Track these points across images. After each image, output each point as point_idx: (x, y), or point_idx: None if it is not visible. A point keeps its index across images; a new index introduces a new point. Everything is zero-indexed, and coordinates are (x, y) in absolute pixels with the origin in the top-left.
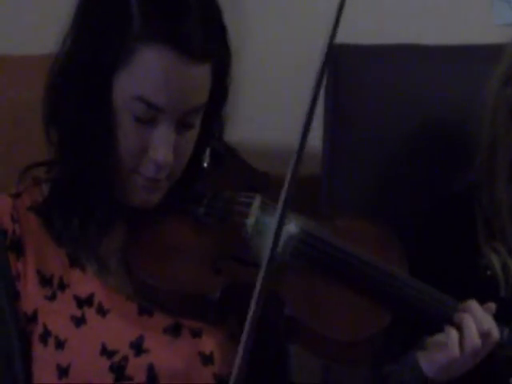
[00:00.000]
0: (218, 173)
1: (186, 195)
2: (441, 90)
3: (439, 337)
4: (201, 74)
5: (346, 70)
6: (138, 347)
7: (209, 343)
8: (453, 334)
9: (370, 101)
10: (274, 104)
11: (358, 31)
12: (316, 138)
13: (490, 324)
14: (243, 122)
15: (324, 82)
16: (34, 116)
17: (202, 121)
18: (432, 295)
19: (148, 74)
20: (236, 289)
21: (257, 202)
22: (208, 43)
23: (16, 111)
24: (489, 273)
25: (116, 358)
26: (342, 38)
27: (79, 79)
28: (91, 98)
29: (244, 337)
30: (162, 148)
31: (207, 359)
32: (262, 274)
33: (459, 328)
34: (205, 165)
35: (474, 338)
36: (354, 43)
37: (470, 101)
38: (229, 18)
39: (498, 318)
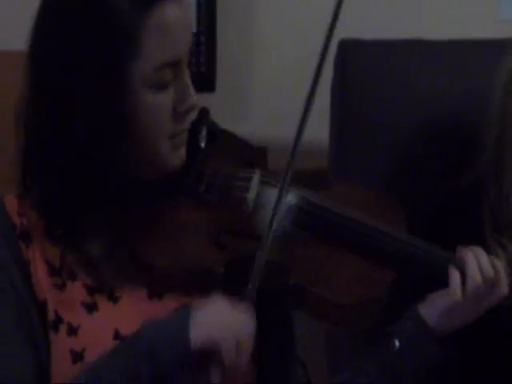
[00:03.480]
0: (215, 151)
1: (186, 173)
2: (447, 85)
3: (440, 291)
4: (186, 6)
5: (353, 65)
6: None
7: None
8: (455, 273)
9: (377, 96)
10: (283, 100)
11: (365, 27)
12: (323, 133)
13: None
14: (253, 118)
15: (330, 77)
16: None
17: None
18: (432, 250)
19: (159, 40)
20: (240, 263)
21: (257, 176)
22: None
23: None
24: None
25: None
26: (349, 33)
27: (91, 85)
28: (107, 100)
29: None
30: (190, 93)
31: None
32: (263, 245)
33: (462, 269)
34: (202, 145)
35: (475, 277)
36: (360, 38)
37: (477, 95)
38: (241, 14)
39: (503, 312)
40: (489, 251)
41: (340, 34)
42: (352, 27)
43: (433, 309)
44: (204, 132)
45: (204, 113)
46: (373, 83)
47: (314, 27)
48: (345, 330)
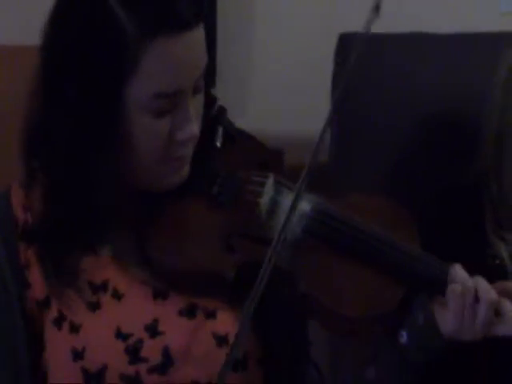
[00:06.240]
0: (231, 151)
1: (200, 174)
2: (448, 78)
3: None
4: (200, 38)
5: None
6: (152, 330)
7: (224, 324)
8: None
9: (380, 89)
10: (284, 95)
11: (363, 20)
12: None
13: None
14: (253, 113)
15: (331, 71)
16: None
17: None
18: (443, 268)
19: (160, 69)
20: (250, 267)
21: (270, 181)
22: (196, 6)
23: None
24: (497, 262)
25: (131, 341)
26: (349, 27)
27: (84, 102)
28: (100, 117)
29: (247, 306)
30: (190, 124)
31: (222, 340)
32: (271, 250)
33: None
34: (218, 144)
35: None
36: (359, 32)
37: (478, 88)
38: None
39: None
40: (490, 245)
41: (340, 27)
42: (352, 21)
43: (443, 312)
44: (220, 132)
45: (221, 112)
46: (373, 77)
47: (313, 22)
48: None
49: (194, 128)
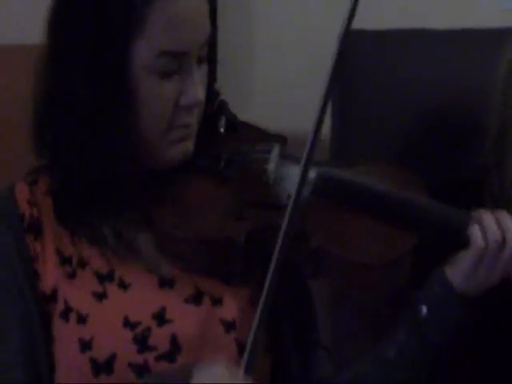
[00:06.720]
0: (234, 138)
1: (205, 155)
2: (448, 74)
3: (463, 252)
4: (204, 4)
5: (354, 56)
6: (160, 318)
7: (230, 310)
8: (475, 228)
9: (378, 86)
10: (285, 91)
11: (366, 16)
12: (324, 124)
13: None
14: (254, 108)
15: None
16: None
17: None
18: (450, 211)
19: (164, 27)
20: (260, 232)
21: (276, 149)
22: None
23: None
24: None
25: (139, 329)
26: (353, 23)
27: (91, 62)
28: (108, 77)
29: (266, 284)
30: (194, 88)
31: (229, 326)
32: (285, 222)
33: (480, 224)
34: (221, 130)
35: (494, 230)
36: (360, 28)
37: (478, 84)
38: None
39: (504, 302)
40: None
41: (340, 24)
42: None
43: (458, 270)
44: (223, 120)
45: (222, 104)
46: (374, 73)
47: (315, 20)
48: (369, 295)
49: (199, 93)
